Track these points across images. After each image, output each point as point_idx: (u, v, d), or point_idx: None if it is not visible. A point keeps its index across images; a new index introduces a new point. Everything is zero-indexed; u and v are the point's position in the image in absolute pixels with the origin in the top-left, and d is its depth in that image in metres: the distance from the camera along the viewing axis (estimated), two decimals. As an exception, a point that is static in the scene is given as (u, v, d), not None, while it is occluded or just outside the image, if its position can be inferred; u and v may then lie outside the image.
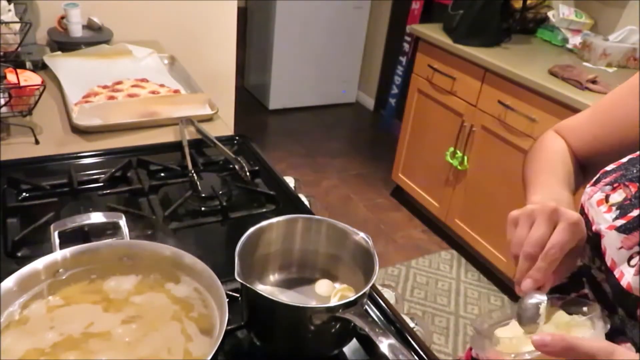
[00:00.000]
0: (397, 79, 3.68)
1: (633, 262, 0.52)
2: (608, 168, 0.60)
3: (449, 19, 2.44)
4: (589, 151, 0.72)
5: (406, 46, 3.55)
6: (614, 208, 0.55)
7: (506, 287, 2.43)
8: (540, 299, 0.53)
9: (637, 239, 0.52)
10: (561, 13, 2.43)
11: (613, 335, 0.54)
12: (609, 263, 0.54)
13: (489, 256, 2.38)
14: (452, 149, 2.47)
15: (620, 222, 0.54)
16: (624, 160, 0.59)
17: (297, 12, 3.69)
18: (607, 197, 0.57)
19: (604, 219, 0.55)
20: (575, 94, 1.88)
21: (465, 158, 2.42)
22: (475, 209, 2.44)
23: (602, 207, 0.56)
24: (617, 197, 0.56)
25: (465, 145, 2.41)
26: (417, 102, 2.71)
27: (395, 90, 3.72)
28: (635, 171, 0.56)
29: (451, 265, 2.58)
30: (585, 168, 0.75)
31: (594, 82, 1.92)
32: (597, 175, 0.61)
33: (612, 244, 0.54)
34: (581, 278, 0.60)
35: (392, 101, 3.77)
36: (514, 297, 2.38)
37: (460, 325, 2.23)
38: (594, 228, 0.58)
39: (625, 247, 0.53)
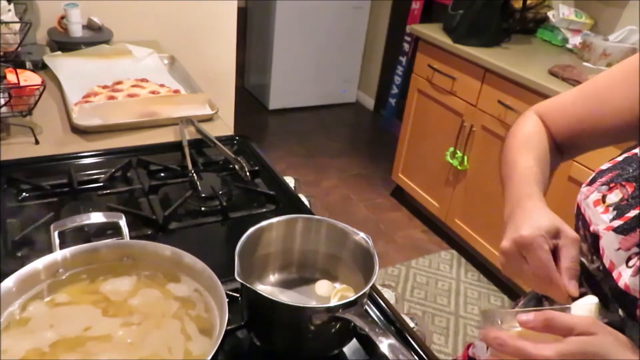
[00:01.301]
0: (397, 79, 3.68)
1: (631, 263, 0.52)
2: (603, 167, 0.59)
3: (449, 19, 2.44)
4: (570, 133, 0.71)
5: (406, 46, 3.55)
6: (610, 209, 0.55)
7: (506, 287, 2.43)
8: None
9: (635, 239, 0.52)
10: (561, 13, 2.43)
11: None
12: (607, 264, 0.54)
13: (489, 256, 2.38)
14: (452, 149, 2.47)
15: (617, 222, 0.53)
16: (619, 158, 0.59)
17: (297, 12, 3.69)
18: (603, 198, 0.56)
19: (602, 220, 0.55)
20: (575, 94, 1.88)
21: (465, 158, 2.42)
22: (475, 209, 2.44)
23: (599, 208, 0.56)
24: (614, 197, 0.55)
25: (465, 145, 2.41)
26: (417, 102, 2.71)
27: (395, 90, 3.72)
28: (631, 170, 0.55)
29: (451, 265, 2.58)
30: (562, 148, 0.73)
31: (594, 82, 1.92)
32: (593, 175, 0.60)
33: (610, 245, 0.54)
34: (580, 277, 0.59)
35: (392, 101, 3.77)
36: (514, 297, 2.38)
37: (460, 325, 2.23)
38: (591, 229, 0.57)
39: (623, 248, 0.52)
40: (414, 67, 2.69)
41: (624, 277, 0.52)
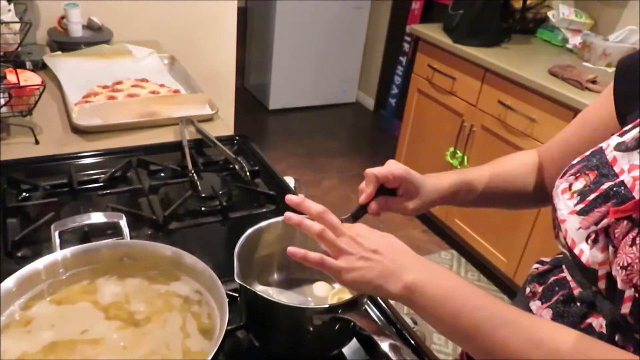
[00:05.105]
0: (397, 79, 3.67)
1: (590, 240, 0.56)
2: (574, 162, 0.65)
3: (449, 19, 2.44)
4: (561, 162, 0.73)
5: (406, 46, 3.55)
6: (575, 194, 0.60)
7: (506, 287, 2.43)
8: None
9: (593, 219, 0.56)
10: (561, 13, 2.43)
11: (586, 311, 0.59)
12: (569, 243, 0.59)
13: (489, 256, 2.38)
14: (452, 149, 2.47)
15: (580, 206, 0.59)
16: (587, 153, 0.64)
17: (297, 12, 3.69)
18: (570, 186, 0.62)
19: (566, 205, 0.61)
20: (575, 94, 1.88)
21: (465, 158, 2.42)
22: (475, 209, 2.43)
23: (565, 195, 0.62)
24: (579, 184, 0.61)
25: (465, 145, 2.41)
26: (417, 102, 2.71)
27: (395, 90, 3.72)
28: (595, 161, 0.61)
29: (451, 265, 2.58)
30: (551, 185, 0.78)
31: (594, 82, 1.92)
32: (565, 169, 0.65)
33: (572, 226, 0.59)
34: (561, 265, 0.66)
35: (392, 101, 3.77)
36: (514, 297, 2.38)
37: (460, 325, 2.23)
38: (557, 214, 0.62)
39: (583, 227, 0.57)
40: (414, 67, 2.69)
41: (585, 253, 0.57)
